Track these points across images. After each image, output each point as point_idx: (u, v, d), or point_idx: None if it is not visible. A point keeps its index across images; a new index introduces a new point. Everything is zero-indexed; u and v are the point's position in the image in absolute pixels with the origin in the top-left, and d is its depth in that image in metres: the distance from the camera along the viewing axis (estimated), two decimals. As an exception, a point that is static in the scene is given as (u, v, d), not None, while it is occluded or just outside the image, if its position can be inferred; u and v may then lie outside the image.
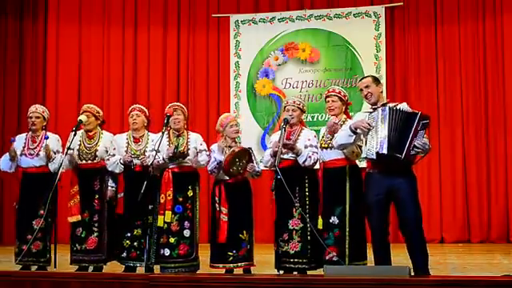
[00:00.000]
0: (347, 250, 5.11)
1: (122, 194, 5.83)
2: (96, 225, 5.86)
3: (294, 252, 5.30)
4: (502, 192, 8.80)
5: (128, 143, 5.86)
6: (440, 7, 9.23)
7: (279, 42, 9.58)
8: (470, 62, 9.07)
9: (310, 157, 5.29)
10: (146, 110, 6.01)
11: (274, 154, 5.25)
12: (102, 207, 5.90)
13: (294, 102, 5.50)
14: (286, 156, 5.34)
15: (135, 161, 5.75)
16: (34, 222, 5.88)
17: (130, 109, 6.02)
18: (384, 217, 4.78)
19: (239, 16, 9.71)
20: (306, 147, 5.34)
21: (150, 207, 5.64)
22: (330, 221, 5.21)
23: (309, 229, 5.28)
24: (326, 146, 5.29)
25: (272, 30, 9.60)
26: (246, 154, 5.50)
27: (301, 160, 5.29)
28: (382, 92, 4.94)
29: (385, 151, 4.59)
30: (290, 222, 5.34)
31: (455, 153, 8.99)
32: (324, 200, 5.29)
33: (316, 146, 5.38)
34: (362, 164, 5.30)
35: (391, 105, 4.80)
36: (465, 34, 9.12)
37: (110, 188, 5.93)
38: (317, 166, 5.47)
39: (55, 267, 5.76)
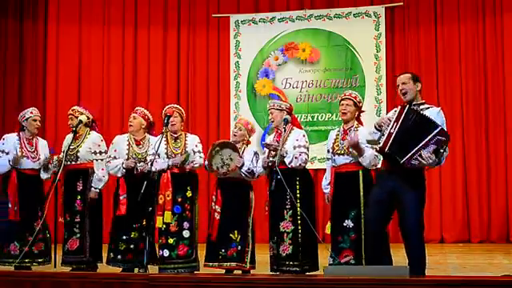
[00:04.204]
0: (364, 253, 5.10)
1: (125, 196, 5.79)
2: (77, 226, 5.83)
3: (285, 255, 5.29)
4: (501, 192, 8.80)
5: (129, 145, 5.85)
6: (440, 7, 9.22)
7: (279, 42, 9.58)
8: (470, 62, 9.06)
9: (296, 158, 5.26)
10: (146, 113, 5.97)
11: (264, 167, 5.34)
12: (85, 209, 5.87)
13: (274, 105, 5.59)
14: (271, 158, 5.34)
15: (138, 165, 5.73)
16: (35, 224, 5.88)
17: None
18: (382, 214, 4.71)
19: (239, 16, 9.71)
20: (294, 148, 5.33)
21: (149, 209, 5.62)
22: (344, 224, 5.16)
23: (300, 231, 5.27)
24: (341, 152, 5.25)
25: (272, 29, 9.60)
26: (227, 147, 5.51)
27: (287, 161, 5.28)
28: (419, 91, 4.81)
29: (386, 148, 4.53)
30: (282, 224, 5.33)
31: (455, 153, 8.98)
32: (335, 203, 5.26)
33: (305, 146, 5.36)
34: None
35: (424, 106, 4.74)
36: (465, 33, 9.12)
37: (93, 189, 5.88)
38: (317, 166, 5.47)
39: (55, 267, 5.75)
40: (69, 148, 5.85)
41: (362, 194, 5.15)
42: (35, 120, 6.06)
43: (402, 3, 9.30)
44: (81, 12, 9.85)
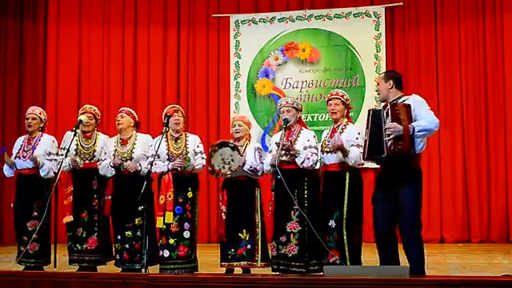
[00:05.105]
0: (347, 253, 5.11)
1: (110, 197, 5.81)
2: (96, 224, 5.88)
3: (291, 255, 5.29)
4: (501, 192, 8.80)
5: (115, 147, 5.85)
6: (440, 7, 9.23)
7: (279, 42, 9.58)
8: (470, 62, 9.07)
9: (308, 158, 5.26)
10: (132, 112, 5.99)
11: (274, 165, 5.25)
12: (101, 207, 5.92)
13: (288, 102, 5.48)
14: (285, 158, 5.33)
15: (125, 164, 5.72)
16: (28, 224, 5.88)
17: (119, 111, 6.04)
18: (387, 214, 4.74)
19: (239, 16, 9.72)
20: (305, 148, 5.33)
21: (140, 208, 5.64)
22: (329, 224, 5.20)
23: (307, 232, 5.26)
24: (328, 150, 5.27)
25: (272, 29, 9.61)
26: (225, 146, 5.53)
27: (299, 161, 5.27)
28: (391, 88, 4.82)
29: (365, 157, 4.77)
30: (288, 224, 5.31)
31: (455, 153, 9.00)
32: (323, 203, 5.29)
33: (315, 147, 5.37)
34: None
35: (401, 100, 4.77)
36: (465, 33, 9.12)
37: None
38: (317, 166, 5.47)
39: (55, 267, 5.75)
40: (81, 147, 5.87)
41: (346, 194, 5.16)
42: (27, 118, 6.05)
43: (401, 3, 9.31)
44: (81, 12, 9.85)
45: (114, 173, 5.78)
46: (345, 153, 5.11)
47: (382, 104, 4.92)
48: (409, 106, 4.65)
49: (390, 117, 4.56)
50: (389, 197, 4.72)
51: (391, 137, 4.51)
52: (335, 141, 5.13)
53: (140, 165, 5.69)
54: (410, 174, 4.68)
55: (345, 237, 5.13)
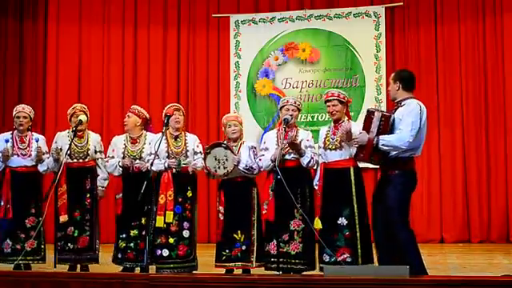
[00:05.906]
0: (360, 250, 5.11)
1: (121, 195, 5.83)
2: (88, 224, 5.90)
3: (295, 253, 5.29)
4: (501, 192, 8.80)
5: (125, 144, 5.86)
6: (440, 7, 9.22)
7: (279, 41, 9.57)
8: (470, 62, 9.06)
9: (312, 158, 5.31)
10: (140, 110, 5.99)
11: (274, 160, 5.25)
12: (94, 206, 5.94)
13: (295, 102, 5.50)
14: (288, 156, 5.33)
15: (135, 163, 5.74)
16: (26, 221, 5.89)
17: None
18: (383, 212, 4.80)
19: (239, 16, 9.71)
20: (305, 148, 5.34)
21: (145, 208, 5.66)
22: (338, 222, 5.18)
23: (308, 229, 5.27)
24: (332, 147, 5.26)
25: (272, 29, 9.60)
26: (217, 146, 5.52)
27: (305, 161, 5.29)
28: (398, 90, 4.87)
29: (354, 157, 5.07)
30: (292, 222, 5.32)
31: (455, 153, 8.99)
32: (326, 201, 5.27)
33: (314, 147, 5.40)
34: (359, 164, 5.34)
35: (403, 102, 4.85)
36: (465, 33, 9.12)
37: (100, 189, 5.99)
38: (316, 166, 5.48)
39: (55, 267, 5.75)
40: (74, 146, 5.88)
41: (354, 190, 5.17)
42: (18, 117, 6.07)
43: (401, 3, 9.30)
44: (81, 12, 9.84)
45: (121, 172, 5.80)
46: (351, 140, 5.09)
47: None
48: (389, 116, 4.70)
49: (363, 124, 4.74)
50: (382, 197, 4.78)
51: (356, 145, 4.81)
52: (344, 125, 5.15)
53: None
54: (398, 176, 4.73)
55: (358, 234, 5.12)
